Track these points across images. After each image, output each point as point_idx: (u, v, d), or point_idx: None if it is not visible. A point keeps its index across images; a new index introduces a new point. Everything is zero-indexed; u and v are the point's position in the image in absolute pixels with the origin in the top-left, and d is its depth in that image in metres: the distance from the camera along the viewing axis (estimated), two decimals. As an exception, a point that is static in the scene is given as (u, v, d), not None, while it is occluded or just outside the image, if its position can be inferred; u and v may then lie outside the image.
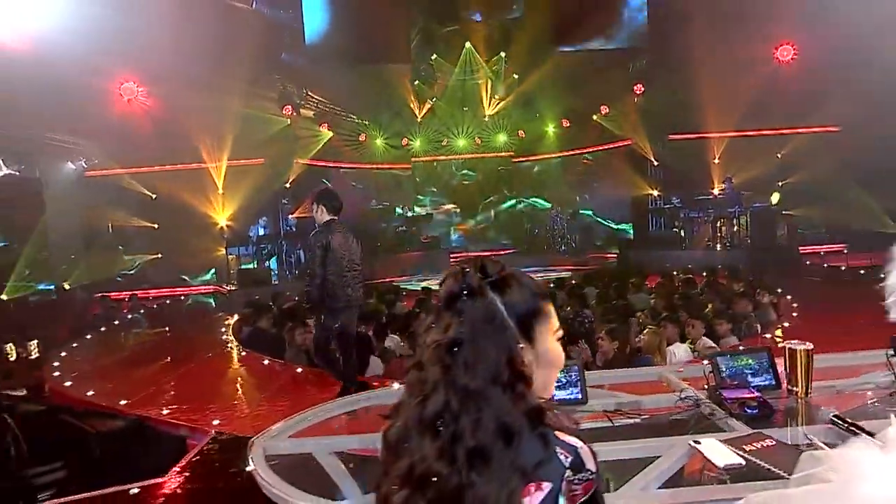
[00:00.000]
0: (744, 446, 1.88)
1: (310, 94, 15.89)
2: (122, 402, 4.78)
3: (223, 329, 9.02)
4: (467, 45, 16.22)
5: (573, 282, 9.55)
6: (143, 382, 5.50)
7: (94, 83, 14.37)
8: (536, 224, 17.74)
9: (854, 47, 12.39)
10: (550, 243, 17.11)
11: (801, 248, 13.94)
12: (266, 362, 6.24)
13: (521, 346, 0.93)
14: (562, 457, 0.86)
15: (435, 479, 0.85)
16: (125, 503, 3.01)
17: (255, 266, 12.76)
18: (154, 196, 15.00)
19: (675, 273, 10.11)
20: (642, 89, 15.98)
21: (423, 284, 13.37)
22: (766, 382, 2.54)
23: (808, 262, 13.26)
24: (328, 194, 4.68)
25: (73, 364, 6.66)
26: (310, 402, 3.49)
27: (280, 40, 14.50)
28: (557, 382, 1.18)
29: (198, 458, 3.55)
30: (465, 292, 0.94)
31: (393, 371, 5.31)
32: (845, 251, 13.79)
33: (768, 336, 6.09)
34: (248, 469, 2.13)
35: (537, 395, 0.92)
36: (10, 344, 7.72)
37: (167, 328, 9.62)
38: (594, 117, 17.50)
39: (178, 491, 3.15)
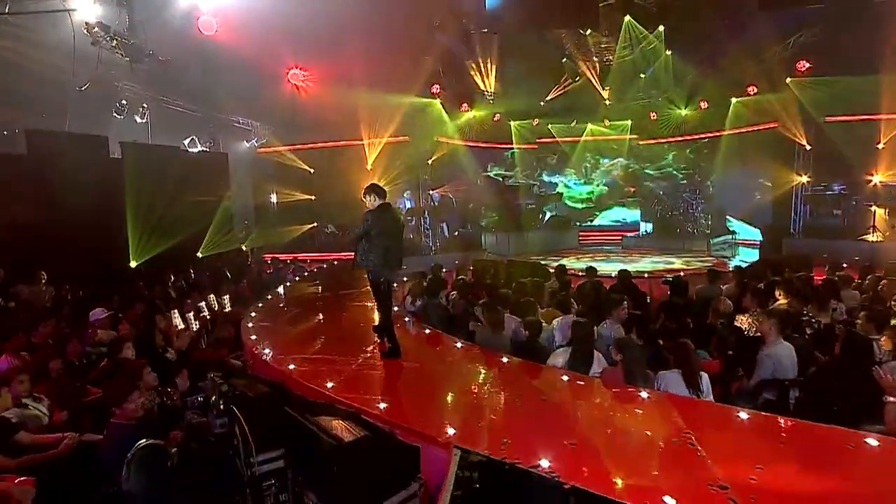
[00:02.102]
0: None
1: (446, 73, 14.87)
2: (329, 385, 4.13)
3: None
4: (626, 18, 13.90)
5: (745, 279, 7.73)
6: (339, 359, 4.92)
7: (267, 69, 14.67)
8: (667, 206, 15.72)
9: None
10: (683, 226, 15.10)
11: None
12: (459, 345, 5.33)
13: None
14: None
15: None
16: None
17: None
18: (312, 171, 15.18)
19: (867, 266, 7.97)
20: (807, 66, 13.23)
21: (559, 262, 12.32)
22: None
23: None
24: (374, 187, 4.97)
25: (266, 331, 6.35)
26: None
27: (433, 19, 13.64)
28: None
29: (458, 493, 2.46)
30: None
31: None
32: None
33: None
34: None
35: None
36: (213, 295, 7.78)
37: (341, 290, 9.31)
38: (733, 100, 15.06)
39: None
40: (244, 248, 13.64)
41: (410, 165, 14.08)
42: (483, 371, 4.53)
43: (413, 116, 14.09)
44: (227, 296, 8.01)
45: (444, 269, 9.21)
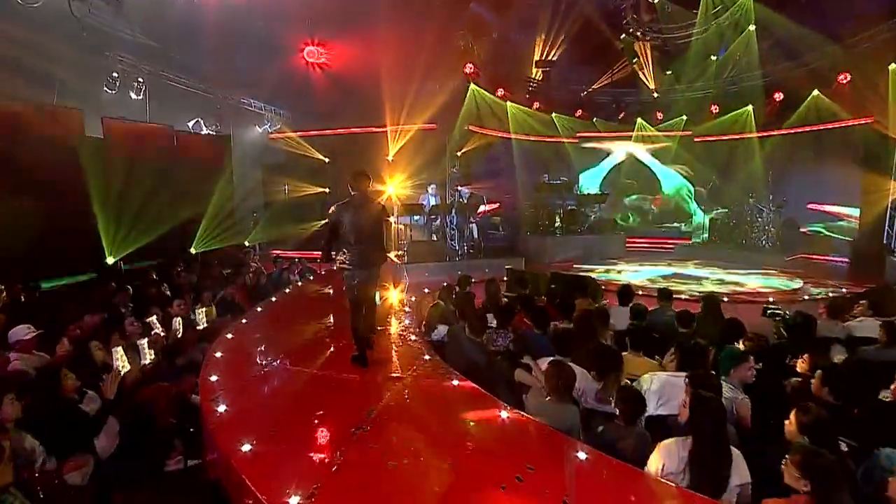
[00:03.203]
0: None
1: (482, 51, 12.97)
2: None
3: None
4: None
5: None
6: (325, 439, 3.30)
7: (281, 46, 13.20)
8: (730, 213, 13.58)
9: None
10: (747, 236, 12.97)
11: None
12: (506, 416, 3.39)
13: None
14: None
15: None
16: None
17: (426, 237, 10.70)
18: (327, 160, 13.65)
19: None
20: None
21: (598, 273, 10.47)
22: None
23: None
24: (353, 174, 4.60)
25: (231, 371, 4.78)
26: None
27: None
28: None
29: None
30: None
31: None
32: None
33: None
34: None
35: None
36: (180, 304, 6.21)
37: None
38: (815, 91, 12.84)
39: None
40: (247, 243, 12.19)
41: (437, 157, 12.39)
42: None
43: (442, 100, 12.37)
44: (203, 309, 6.37)
45: (472, 280, 7.51)
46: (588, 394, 3.59)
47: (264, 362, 4.70)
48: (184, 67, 12.25)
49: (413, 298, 7.52)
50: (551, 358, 4.05)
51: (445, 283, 7.45)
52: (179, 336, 5.68)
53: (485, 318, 5.10)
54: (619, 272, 10.85)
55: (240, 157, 13.83)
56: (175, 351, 5.60)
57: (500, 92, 13.09)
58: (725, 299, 7.69)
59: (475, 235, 10.86)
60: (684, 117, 15.44)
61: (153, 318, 5.53)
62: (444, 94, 12.35)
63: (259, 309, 6.93)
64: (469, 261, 10.00)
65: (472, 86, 12.65)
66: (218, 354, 4.84)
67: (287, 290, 8.35)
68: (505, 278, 9.10)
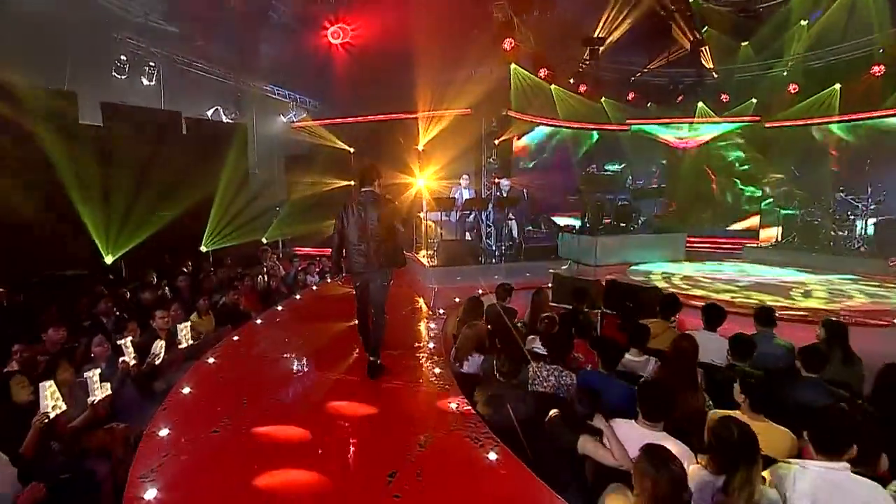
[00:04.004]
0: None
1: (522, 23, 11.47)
2: None
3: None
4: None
5: None
6: None
7: (303, 27, 12.26)
8: (811, 209, 11.65)
9: None
10: (836, 236, 11.07)
11: None
12: None
13: None
14: None
15: None
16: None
17: (458, 236, 9.49)
18: (352, 150, 12.63)
19: None
20: None
21: (657, 278, 8.96)
22: None
23: None
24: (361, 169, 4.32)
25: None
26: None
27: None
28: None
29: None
30: None
31: None
32: None
33: None
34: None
35: None
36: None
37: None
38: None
39: None
40: (265, 240, 11.30)
41: (473, 146, 11.13)
42: None
43: (478, 82, 11.09)
44: (187, 324, 5.32)
45: (512, 289, 6.24)
46: (702, 495, 2.29)
47: (241, 403, 3.61)
48: (201, 52, 11.49)
49: (441, 311, 6.33)
50: (629, 422, 2.79)
51: (479, 293, 6.22)
52: (158, 362, 4.67)
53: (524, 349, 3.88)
54: (683, 279, 9.30)
55: (260, 147, 13.01)
56: (152, 375, 4.65)
57: (543, 73, 11.66)
58: (841, 316, 6.08)
59: (514, 234, 9.55)
60: (753, 100, 13.54)
61: (127, 340, 4.54)
62: (481, 74, 11.07)
63: (259, 321, 5.91)
64: (508, 263, 8.70)
65: (513, 66, 11.26)
66: (185, 390, 3.80)
67: (298, 297, 7.31)
68: (550, 285, 7.78)
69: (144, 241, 7.76)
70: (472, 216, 9.57)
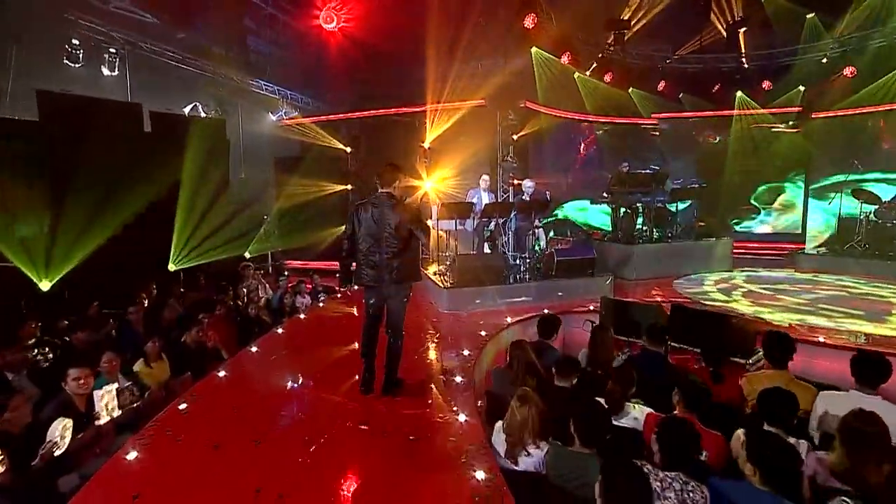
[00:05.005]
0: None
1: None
2: None
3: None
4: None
5: None
6: None
7: (293, 13, 10.84)
8: (880, 208, 10.07)
9: None
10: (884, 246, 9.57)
11: None
12: None
13: None
14: None
15: None
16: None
17: (475, 249, 7.95)
18: (349, 150, 11.16)
19: None
20: None
21: (714, 294, 7.44)
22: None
23: None
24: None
25: None
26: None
27: None
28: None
29: None
30: None
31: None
32: None
33: None
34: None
35: None
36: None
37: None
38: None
39: None
40: (247, 255, 9.80)
41: (488, 142, 9.66)
42: None
43: (492, 70, 9.62)
44: (111, 387, 3.75)
45: (559, 324, 4.78)
46: None
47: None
48: (176, 40, 10.05)
49: (467, 352, 4.81)
50: None
51: (507, 321, 4.74)
52: (60, 451, 3.17)
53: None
54: (747, 295, 7.77)
55: (246, 148, 11.54)
56: (53, 470, 3.15)
57: (566, 58, 10.17)
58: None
59: (542, 244, 8.02)
60: (801, 88, 12.03)
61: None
62: (495, 61, 9.60)
63: (221, 374, 4.39)
64: (538, 283, 7.17)
65: (535, 50, 9.76)
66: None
67: (280, 331, 5.78)
68: (591, 306, 6.29)
69: (92, 261, 6.25)
70: (491, 224, 8.08)
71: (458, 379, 4.15)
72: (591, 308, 6.66)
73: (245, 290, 7.52)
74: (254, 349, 5.03)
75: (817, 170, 12.43)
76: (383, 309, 3.84)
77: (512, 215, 7.85)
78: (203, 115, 10.94)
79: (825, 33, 11.23)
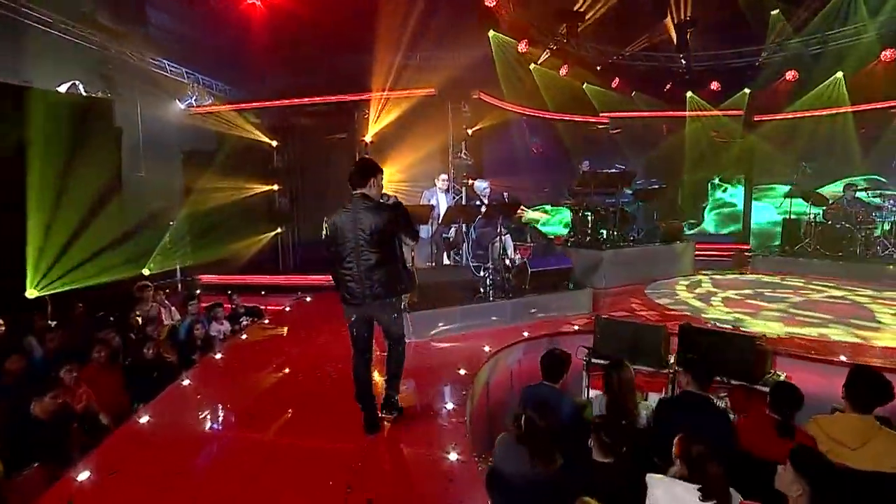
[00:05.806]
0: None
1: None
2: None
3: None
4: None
5: None
6: None
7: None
8: (841, 220, 10.01)
9: None
10: (856, 242, 9.59)
11: None
12: None
13: None
14: None
15: None
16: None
17: (433, 261, 6.78)
18: (275, 143, 9.59)
19: None
20: None
21: (696, 303, 6.82)
22: None
23: None
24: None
25: None
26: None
27: None
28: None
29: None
30: None
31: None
32: None
33: None
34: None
35: None
36: None
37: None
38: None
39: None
40: (146, 272, 7.92)
41: (442, 138, 8.53)
42: None
43: (447, 54, 8.51)
44: None
45: (568, 361, 3.78)
46: None
47: None
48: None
49: (451, 406, 3.59)
50: None
51: (486, 350, 3.65)
52: None
53: None
54: (725, 301, 7.23)
55: (144, 139, 9.55)
56: None
57: (524, 45, 9.28)
58: None
59: (509, 253, 6.99)
60: (746, 91, 12.05)
61: None
62: (446, 44, 8.50)
63: (92, 464, 2.85)
64: (513, 300, 6.11)
65: (492, 33, 8.75)
66: None
67: (186, 382, 4.23)
68: (576, 325, 5.34)
69: None
70: (451, 230, 6.93)
71: (454, 456, 2.94)
72: (577, 328, 5.73)
73: (139, 319, 5.79)
74: (143, 419, 3.49)
75: (765, 172, 12.54)
76: (368, 331, 3.40)
77: (475, 222, 6.75)
78: (84, 93, 8.87)
79: (772, 35, 11.29)
